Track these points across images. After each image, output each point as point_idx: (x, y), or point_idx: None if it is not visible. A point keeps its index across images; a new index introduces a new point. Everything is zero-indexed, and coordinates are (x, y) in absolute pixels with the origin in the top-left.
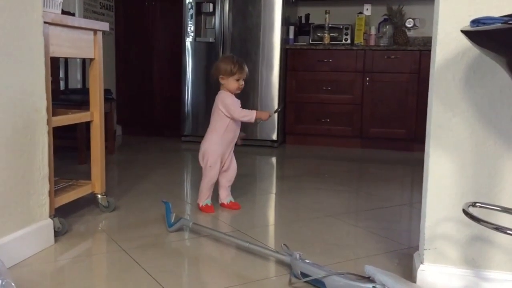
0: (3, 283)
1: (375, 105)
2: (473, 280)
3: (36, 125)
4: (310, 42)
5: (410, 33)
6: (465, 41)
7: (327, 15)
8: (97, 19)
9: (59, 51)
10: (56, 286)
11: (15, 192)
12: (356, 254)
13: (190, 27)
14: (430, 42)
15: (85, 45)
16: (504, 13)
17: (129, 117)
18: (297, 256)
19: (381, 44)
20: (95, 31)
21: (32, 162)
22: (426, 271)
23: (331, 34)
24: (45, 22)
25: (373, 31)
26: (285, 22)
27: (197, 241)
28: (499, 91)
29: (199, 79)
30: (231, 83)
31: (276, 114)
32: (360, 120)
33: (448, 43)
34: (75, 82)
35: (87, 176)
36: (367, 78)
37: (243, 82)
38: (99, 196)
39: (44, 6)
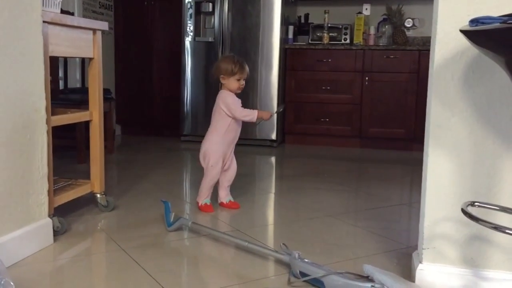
0: (2, 282)
1: (374, 105)
2: (472, 279)
3: (35, 125)
4: (309, 41)
5: (409, 33)
6: (464, 41)
7: (326, 15)
8: (96, 19)
9: (58, 51)
10: (55, 285)
11: (14, 192)
12: (355, 254)
13: (190, 27)
14: (429, 42)
15: (84, 45)
16: (503, 12)
17: (129, 117)
18: (296, 255)
19: (380, 44)
20: (94, 31)
21: (31, 162)
22: (425, 270)
23: (330, 34)
24: (44, 22)
25: (372, 31)
26: (285, 22)
27: (196, 240)
28: (498, 91)
29: (199, 79)
30: (232, 83)
31: (276, 114)
32: (359, 119)
33: (447, 43)
34: (75, 81)
35: (86, 175)
36: (366, 78)
37: (244, 82)
38: (98, 195)
39: (43, 5)
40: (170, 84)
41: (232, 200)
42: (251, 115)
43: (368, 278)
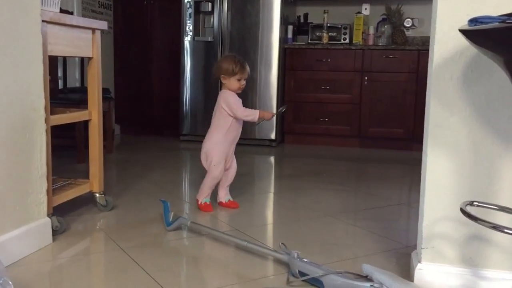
0: (1, 281)
1: (373, 105)
2: (471, 279)
3: (34, 124)
4: (309, 41)
5: (408, 33)
6: (463, 40)
7: (325, 15)
8: (95, 18)
9: (57, 50)
10: (54, 284)
11: (13, 191)
12: (354, 253)
13: (189, 26)
14: (429, 42)
15: (84, 44)
16: (502, 12)
17: (128, 116)
18: (295, 255)
19: (380, 44)
20: (93, 30)
21: (30, 161)
22: (424, 270)
23: (329, 34)
24: (43, 21)
25: (371, 30)
26: (284, 22)
27: (195, 240)
28: (497, 90)
29: (198, 78)
30: (233, 83)
31: (277, 115)
32: (359, 119)
33: (446, 42)
34: (74, 81)
35: (86, 175)
36: (366, 78)
37: (245, 82)
38: (97, 195)
39: (42, 4)
40: (170, 84)
41: (231, 199)
42: (252, 115)
43: (367, 278)
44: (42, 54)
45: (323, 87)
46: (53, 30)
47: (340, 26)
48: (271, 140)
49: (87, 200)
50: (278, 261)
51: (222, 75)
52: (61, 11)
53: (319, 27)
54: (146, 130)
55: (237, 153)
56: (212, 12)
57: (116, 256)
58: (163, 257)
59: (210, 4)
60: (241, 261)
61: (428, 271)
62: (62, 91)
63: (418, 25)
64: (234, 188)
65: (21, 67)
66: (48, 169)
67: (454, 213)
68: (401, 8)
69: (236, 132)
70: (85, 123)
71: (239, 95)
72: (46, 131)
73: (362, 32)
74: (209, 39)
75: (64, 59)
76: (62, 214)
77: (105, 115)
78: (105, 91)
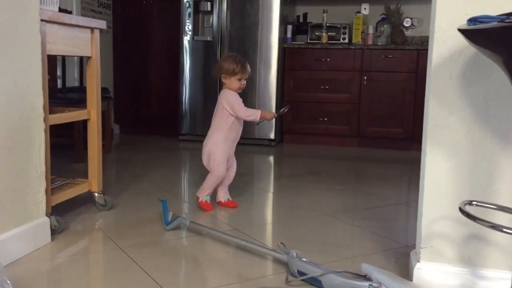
0: None
1: (372, 104)
2: (469, 278)
3: (33, 123)
4: (308, 41)
5: (407, 33)
6: (462, 40)
7: (325, 14)
8: (94, 17)
9: (56, 49)
10: (52, 284)
11: (12, 190)
12: (353, 253)
13: (188, 26)
14: (428, 42)
15: (82, 43)
16: (501, 11)
17: (127, 116)
18: (294, 254)
19: (379, 43)
20: (92, 29)
21: (28, 160)
22: (423, 269)
23: (329, 33)
24: (42, 20)
25: (371, 30)
26: (283, 21)
27: (194, 239)
28: (495, 90)
29: (197, 78)
30: (233, 83)
31: (279, 116)
32: (358, 119)
33: (445, 42)
34: (73, 80)
35: (84, 174)
36: (365, 77)
37: (245, 82)
38: (96, 194)
39: (41, 3)
40: (169, 83)
41: (230, 199)
42: (254, 115)
43: (366, 277)
44: (40, 53)
45: (322, 87)
46: (52, 29)
47: (339, 26)
48: (270, 140)
49: (86, 199)
50: (277, 261)
51: (223, 75)
52: (60, 10)
53: (319, 26)
54: (145, 129)
55: (236, 153)
56: (211, 12)
57: (115, 255)
58: (162, 256)
59: (209, 3)
60: (240, 260)
61: (427, 270)
62: (61, 91)
63: (417, 24)
64: (233, 187)
65: (19, 66)
66: (47, 168)
67: (453, 213)
68: (400, 7)
69: (237, 132)
70: (84, 123)
71: (239, 94)
72: (45, 130)
73: (362, 32)
74: (208, 38)
75: (63, 58)
76: (61, 213)
77: (104, 114)
78: (104, 90)
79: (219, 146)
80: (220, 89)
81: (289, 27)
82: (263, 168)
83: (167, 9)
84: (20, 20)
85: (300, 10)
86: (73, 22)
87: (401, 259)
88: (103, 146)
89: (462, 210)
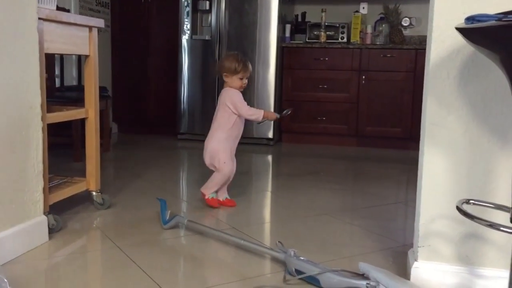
0: None
1: (371, 104)
2: (467, 277)
3: (31, 122)
4: (307, 40)
5: (406, 32)
6: (460, 39)
7: (323, 14)
8: (93, 16)
9: (53, 48)
10: (50, 283)
11: (9, 189)
12: (351, 252)
13: (186, 25)
14: (426, 41)
15: (80, 42)
16: (499, 10)
17: (125, 115)
18: (292, 253)
19: (377, 43)
20: (90, 28)
21: (26, 159)
22: (420, 268)
23: (327, 33)
24: (39, 18)
25: (369, 29)
26: (282, 20)
27: (192, 238)
28: (493, 89)
29: (196, 77)
30: (235, 81)
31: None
32: (356, 118)
33: (443, 41)
34: (71, 79)
35: (83, 173)
36: (363, 77)
37: (246, 80)
38: (94, 193)
39: (38, 2)
40: (167, 82)
41: (229, 198)
42: (257, 114)
43: (363, 276)
44: (38, 52)
45: (320, 86)
46: (50, 27)
47: (338, 25)
48: (269, 139)
49: (84, 198)
50: (275, 260)
51: (225, 73)
52: (58, 8)
53: (317, 26)
54: (143, 128)
55: (235, 152)
56: (209, 11)
57: (113, 254)
58: (160, 255)
59: (207, 2)
60: (238, 259)
61: (424, 269)
62: (59, 89)
63: (416, 24)
64: (231, 186)
65: (17, 65)
66: (45, 167)
67: (450, 211)
68: (399, 7)
69: (239, 130)
70: (82, 122)
71: None
72: (43, 129)
73: (360, 31)
74: (207, 37)
75: (61, 57)
76: (59, 212)
77: (102, 113)
78: (102, 89)
79: (222, 145)
80: (219, 88)
81: (288, 26)
82: (261, 167)
83: (166, 8)
84: (18, 18)
85: (298, 9)
86: (71, 21)
87: (399, 258)
88: (101, 145)
89: (459, 209)
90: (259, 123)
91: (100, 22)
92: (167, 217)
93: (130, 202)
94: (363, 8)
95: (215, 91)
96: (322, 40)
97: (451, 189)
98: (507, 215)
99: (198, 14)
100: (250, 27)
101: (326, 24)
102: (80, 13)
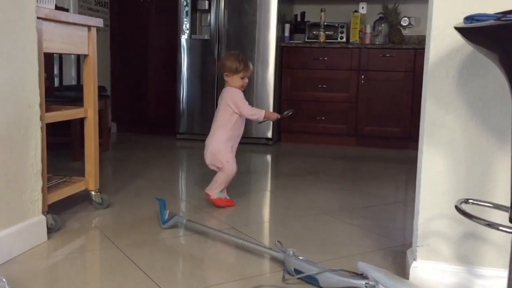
0: None
1: (370, 103)
2: (466, 276)
3: (29, 121)
4: (306, 40)
5: (405, 32)
6: (459, 38)
7: (322, 13)
8: (92, 16)
9: (52, 47)
10: (48, 282)
11: (8, 188)
12: (349, 251)
13: (186, 24)
14: (425, 41)
15: (79, 41)
16: (497, 10)
17: (124, 115)
18: (291, 253)
19: (377, 43)
20: (89, 27)
21: (25, 158)
22: (419, 267)
23: (326, 32)
24: (38, 18)
25: (368, 29)
26: (281, 20)
27: (191, 238)
28: (492, 88)
29: (195, 77)
30: (236, 81)
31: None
32: (355, 118)
33: (442, 40)
34: (70, 79)
35: (81, 173)
36: (362, 76)
37: (247, 80)
38: (92, 193)
39: (37, 1)
40: (166, 82)
41: (228, 197)
42: (258, 114)
43: (362, 276)
44: (37, 51)
45: (320, 86)
46: (49, 27)
47: (337, 25)
48: (268, 139)
49: (83, 198)
50: (273, 259)
51: (226, 73)
52: (57, 8)
53: (316, 25)
54: (142, 128)
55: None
56: (209, 10)
57: (112, 254)
58: (158, 255)
59: (207, 2)
60: (237, 259)
61: (423, 269)
62: (58, 89)
63: (415, 24)
64: (231, 186)
65: (16, 64)
66: (43, 166)
67: (449, 211)
68: (398, 7)
69: (240, 129)
70: (81, 121)
71: None
72: (41, 128)
73: (359, 31)
74: (206, 37)
75: (60, 57)
76: (57, 212)
77: (101, 113)
78: (101, 89)
79: (223, 144)
80: (218, 87)
81: (287, 26)
82: (260, 167)
83: (165, 7)
84: (17, 18)
85: (297, 9)
86: (70, 20)
87: (398, 258)
88: (100, 144)
89: (458, 208)
90: (259, 122)
91: (99, 22)
92: (166, 217)
93: (129, 201)
94: (362, 8)
95: (214, 90)
96: (321, 40)
97: (450, 189)
98: (506, 214)
99: (197, 13)
100: (249, 27)
101: (325, 23)
102: (79, 13)
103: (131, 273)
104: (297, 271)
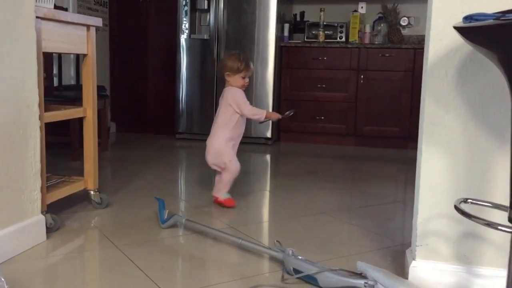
0: None
1: (369, 103)
2: (465, 276)
3: (28, 121)
4: (305, 39)
5: (404, 32)
6: (458, 38)
7: (322, 13)
8: (91, 15)
9: (51, 46)
10: (47, 282)
11: (7, 188)
12: (349, 251)
13: (185, 24)
14: (425, 40)
15: (78, 41)
16: (497, 9)
17: (123, 114)
18: (290, 252)
19: (376, 42)
20: (88, 27)
21: (24, 158)
22: (418, 267)
23: (325, 32)
24: (37, 17)
25: (367, 29)
26: (280, 20)
27: (190, 237)
28: (491, 88)
29: (194, 76)
30: (237, 80)
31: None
32: (355, 118)
33: (441, 40)
34: (69, 78)
35: (80, 172)
36: (362, 76)
37: (248, 80)
38: (91, 192)
39: (36, 0)
40: (165, 82)
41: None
42: (259, 114)
43: (361, 275)
44: (35, 50)
45: (319, 86)
46: (48, 26)
47: (336, 25)
48: (267, 139)
49: (82, 197)
50: (273, 259)
51: (227, 73)
52: (56, 7)
53: (316, 25)
54: (141, 128)
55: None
56: (208, 10)
57: (111, 253)
58: (158, 254)
59: (206, 1)
60: (236, 258)
61: (422, 268)
62: (57, 89)
63: (414, 23)
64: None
65: (15, 64)
66: (42, 166)
67: (448, 211)
68: (397, 6)
69: (241, 129)
70: (80, 121)
71: None
72: (40, 128)
73: (359, 31)
74: (205, 37)
75: (59, 56)
76: (56, 211)
77: (100, 112)
78: (100, 88)
79: (225, 144)
80: (218, 87)
81: (286, 26)
82: (260, 167)
83: (164, 7)
84: (16, 17)
85: (297, 8)
86: (69, 20)
87: (397, 257)
88: (99, 144)
89: (457, 208)
90: (260, 123)
91: (98, 21)
92: (165, 217)
93: (128, 201)
94: (362, 7)
95: (214, 90)
96: (321, 40)
97: (449, 188)
98: (505, 214)
99: (197, 13)
100: (249, 27)
101: (325, 23)
102: (78, 12)
103: (130, 272)
104: (296, 271)
